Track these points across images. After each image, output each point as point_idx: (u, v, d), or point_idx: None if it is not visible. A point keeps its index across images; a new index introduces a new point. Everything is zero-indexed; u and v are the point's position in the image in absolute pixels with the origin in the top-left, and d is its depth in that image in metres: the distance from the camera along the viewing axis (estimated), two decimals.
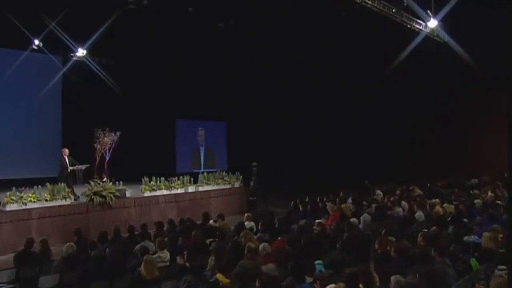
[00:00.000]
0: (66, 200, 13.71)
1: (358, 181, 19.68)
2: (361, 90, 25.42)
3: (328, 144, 26.64)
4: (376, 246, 8.69)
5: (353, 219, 11.24)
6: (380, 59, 21.10)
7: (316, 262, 7.37)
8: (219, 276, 7.15)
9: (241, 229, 10.09)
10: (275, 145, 26.04)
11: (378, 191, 17.17)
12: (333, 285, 6.08)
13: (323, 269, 7.29)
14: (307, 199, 15.04)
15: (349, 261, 7.30)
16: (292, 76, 24.39)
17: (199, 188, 17.78)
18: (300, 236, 9.38)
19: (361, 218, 11.87)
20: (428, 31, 17.23)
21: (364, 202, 14.56)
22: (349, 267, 6.37)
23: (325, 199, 15.28)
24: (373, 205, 13.55)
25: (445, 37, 18.02)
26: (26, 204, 12.72)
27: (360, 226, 11.34)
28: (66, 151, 15.09)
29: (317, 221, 11.07)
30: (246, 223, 11.33)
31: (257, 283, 6.51)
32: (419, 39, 17.68)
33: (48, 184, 13.64)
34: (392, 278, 6.02)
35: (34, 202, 12.90)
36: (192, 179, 17.62)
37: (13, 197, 12.55)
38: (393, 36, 17.88)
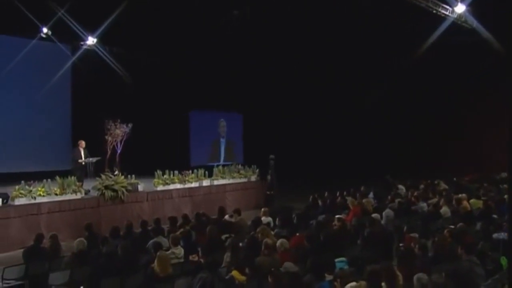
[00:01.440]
0: (76, 194, 13.84)
1: (380, 175, 19.57)
2: (383, 80, 25.21)
3: (348, 137, 26.51)
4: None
5: (374, 215, 11.18)
6: (402, 47, 20.89)
7: (337, 259, 7.36)
8: (234, 273, 7.17)
9: (258, 225, 10.11)
10: (293, 138, 25.99)
11: (401, 186, 17.08)
12: (354, 283, 6.06)
13: (344, 267, 7.27)
14: (326, 194, 15.03)
15: (370, 258, 7.26)
16: (311, 66, 24.26)
17: (214, 182, 17.85)
18: (319, 232, 9.36)
19: (383, 213, 11.82)
20: (455, 16, 17.01)
21: (387, 197, 14.48)
22: (371, 265, 6.32)
23: (345, 193, 15.20)
24: (396, 200, 13.48)
25: (473, 23, 17.77)
26: (35, 198, 12.86)
27: (382, 222, 11.29)
28: (83, 143, 15.23)
29: (337, 216, 11.04)
30: (263, 218, 11.35)
31: (269, 279, 6.54)
32: (445, 25, 17.46)
33: (57, 177, 13.76)
34: (415, 276, 5.96)
35: (43, 196, 13.04)
36: (206, 172, 17.68)
37: (22, 191, 12.69)
38: (417, 22, 17.69)
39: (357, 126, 26.47)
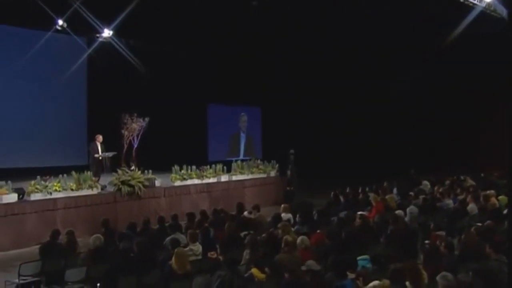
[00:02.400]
0: (92, 190, 13.99)
1: (403, 171, 19.44)
2: (407, 74, 24.99)
3: (371, 131, 26.35)
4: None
5: (398, 211, 11.13)
6: (428, 38, 20.67)
7: (359, 257, 7.33)
8: (254, 271, 7.19)
9: (278, 221, 10.11)
10: (314, 132, 25.92)
11: (426, 182, 16.95)
12: (377, 282, 6.04)
13: (367, 265, 7.25)
14: (348, 190, 15.01)
15: (394, 257, 7.23)
16: (332, 58, 24.15)
17: (233, 177, 17.91)
18: (341, 229, 9.35)
19: (407, 210, 11.75)
20: (484, 5, 16.78)
21: (411, 193, 14.39)
22: (395, 263, 6.29)
23: (367, 189, 15.16)
24: (421, 197, 13.39)
25: (503, 12, 17.52)
26: (51, 193, 13.03)
27: (406, 219, 11.22)
28: (100, 137, 15.35)
29: (359, 213, 11.01)
30: (283, 214, 11.35)
31: (286, 275, 6.56)
32: (473, 14, 17.24)
33: (73, 172, 13.90)
34: (439, 275, 5.90)
35: (59, 191, 13.20)
36: (225, 167, 17.73)
37: (37, 186, 12.85)
38: (444, 12, 17.49)
39: (380, 119, 26.30)
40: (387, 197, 13.15)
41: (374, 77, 25.26)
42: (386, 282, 5.96)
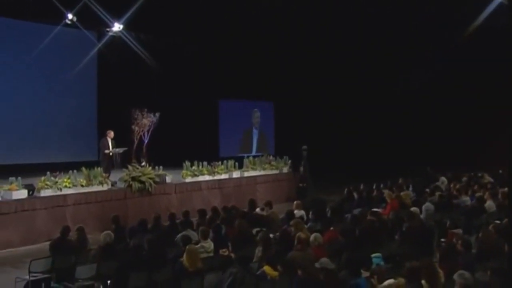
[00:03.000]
0: (102, 186, 14.05)
1: (419, 167, 19.34)
2: (423, 67, 24.82)
3: (385, 126, 26.21)
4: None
5: (413, 208, 11.07)
6: (446, 31, 20.51)
7: (373, 255, 7.31)
8: (266, 268, 7.19)
9: (290, 218, 10.11)
10: (327, 127, 25.81)
11: (442, 178, 16.87)
12: (392, 280, 6.02)
13: (380, 263, 7.23)
14: (362, 186, 14.95)
15: (409, 255, 7.21)
16: (347, 52, 24.04)
17: (245, 173, 17.92)
18: (355, 226, 9.35)
19: (423, 207, 11.70)
20: None
21: (426, 190, 14.33)
22: (410, 261, 6.27)
23: (382, 186, 15.12)
24: (437, 193, 13.34)
25: None
26: (61, 189, 13.09)
27: (422, 216, 11.17)
28: (111, 133, 15.41)
29: (373, 210, 10.98)
30: (295, 211, 11.35)
31: (299, 272, 6.56)
32: (492, 6, 17.11)
33: (83, 168, 13.97)
34: (456, 273, 5.86)
35: (69, 187, 13.27)
36: (237, 163, 17.74)
37: (47, 182, 12.93)
38: (461, 4, 17.36)
39: (396, 114, 26.13)
40: (402, 194, 13.13)
41: (390, 71, 25.11)
42: (401, 280, 5.94)
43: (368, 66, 25.01)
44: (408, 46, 23.20)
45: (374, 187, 15.00)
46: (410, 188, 14.94)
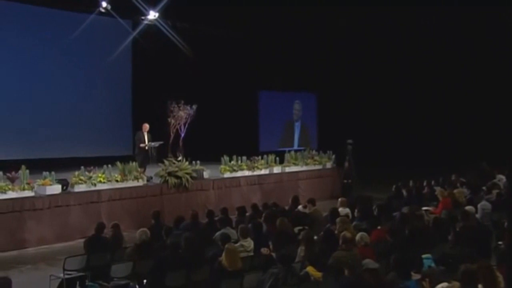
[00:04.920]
0: (138, 181, 14.23)
1: (474, 162, 18.98)
2: (477, 57, 24.34)
3: (436, 118, 25.81)
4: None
5: (468, 207, 10.90)
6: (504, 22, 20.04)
7: (424, 256, 7.22)
8: (309, 269, 7.18)
9: (335, 216, 10.06)
10: (374, 120, 25.59)
11: (500, 176, 16.49)
12: (445, 283, 5.94)
13: (432, 265, 7.14)
14: (411, 183, 14.80)
15: (464, 256, 7.09)
16: (395, 38, 23.73)
17: (286, 169, 17.91)
18: (404, 225, 9.25)
19: (479, 206, 11.50)
20: None
21: (483, 188, 14.06)
22: (465, 264, 6.16)
23: (433, 183, 14.90)
24: (494, 191, 13.07)
25: None
26: (95, 185, 13.32)
27: (478, 215, 10.99)
28: (147, 126, 15.58)
29: (424, 208, 10.84)
30: (340, 209, 11.28)
31: (346, 272, 6.52)
32: None
33: (118, 163, 14.18)
34: None
35: (103, 183, 13.49)
36: (277, 158, 17.73)
37: (81, 177, 13.17)
38: None
39: (447, 105, 25.68)
40: (455, 191, 12.94)
41: (441, 61, 24.71)
42: (456, 284, 5.86)
43: (418, 55, 24.65)
44: (460, 37, 22.81)
45: (424, 184, 14.79)
46: (464, 186, 14.69)
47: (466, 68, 25.32)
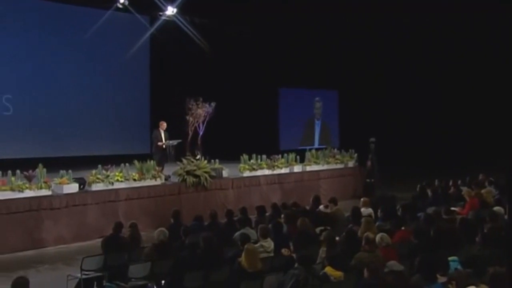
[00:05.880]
0: (155, 180, 14.28)
1: (502, 161, 18.75)
2: (506, 54, 24.07)
3: (462, 114, 25.57)
4: None
5: (497, 208, 10.77)
6: None
7: (450, 258, 7.16)
8: (328, 269, 7.16)
9: (357, 216, 10.02)
10: (397, 117, 25.44)
11: None
12: (473, 287, 5.88)
13: (458, 267, 7.08)
14: (436, 182, 14.70)
15: (492, 259, 7.01)
16: (419, 33, 23.56)
17: (307, 167, 17.89)
18: (429, 226, 9.17)
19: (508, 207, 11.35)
20: None
21: None
22: (494, 267, 6.10)
23: (459, 182, 14.78)
24: None
25: None
26: (112, 184, 13.39)
27: (507, 216, 10.84)
28: (164, 124, 15.60)
29: (450, 208, 10.74)
30: (362, 209, 11.23)
31: (365, 272, 6.49)
32: None
33: (136, 161, 14.24)
34: None
35: (121, 181, 13.55)
36: (298, 157, 17.70)
37: (99, 176, 13.25)
38: None
39: (475, 101, 25.41)
40: (483, 191, 12.82)
41: (470, 55, 24.46)
42: (484, 287, 5.80)
43: (446, 49, 24.43)
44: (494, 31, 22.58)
45: (450, 183, 14.67)
46: (492, 185, 14.54)
47: (496, 63, 25.06)
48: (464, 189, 13.08)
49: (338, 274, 7.13)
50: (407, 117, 25.67)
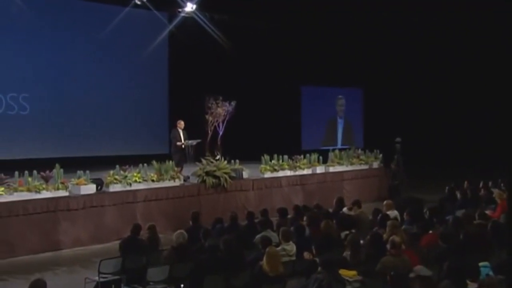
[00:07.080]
0: (174, 181, 14.32)
1: None
2: None
3: (492, 114, 25.30)
4: None
5: None
6: None
7: (481, 264, 7.09)
8: (342, 271, 7.16)
9: (383, 219, 9.97)
10: (424, 117, 25.27)
11: None
12: None
13: (490, 273, 7.01)
14: (466, 184, 14.60)
15: None
16: (449, 30, 23.37)
17: (330, 168, 17.83)
18: (458, 230, 9.11)
19: None
20: None
21: None
22: None
23: (490, 184, 14.63)
24: None
25: None
26: (130, 184, 13.45)
27: None
28: (182, 123, 15.65)
29: (480, 211, 10.63)
30: (388, 212, 11.18)
31: (388, 278, 6.46)
32: None
33: (154, 162, 14.28)
34: None
35: (139, 182, 13.61)
36: (321, 157, 17.66)
37: (116, 177, 13.31)
38: None
39: (505, 99, 25.14)
40: None
41: (499, 53, 24.21)
42: None
43: (475, 45, 24.20)
44: None
45: (480, 185, 14.53)
46: None
47: None
48: (495, 191, 12.96)
49: (351, 273, 7.12)
50: (434, 116, 25.47)
